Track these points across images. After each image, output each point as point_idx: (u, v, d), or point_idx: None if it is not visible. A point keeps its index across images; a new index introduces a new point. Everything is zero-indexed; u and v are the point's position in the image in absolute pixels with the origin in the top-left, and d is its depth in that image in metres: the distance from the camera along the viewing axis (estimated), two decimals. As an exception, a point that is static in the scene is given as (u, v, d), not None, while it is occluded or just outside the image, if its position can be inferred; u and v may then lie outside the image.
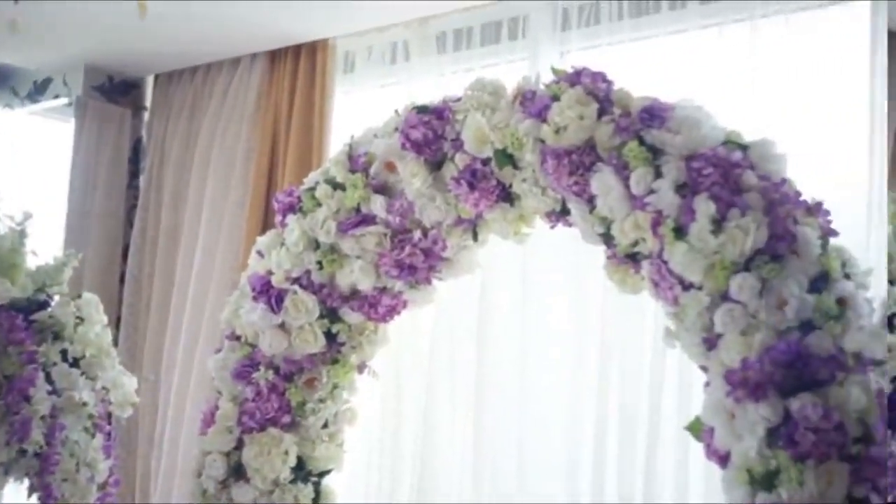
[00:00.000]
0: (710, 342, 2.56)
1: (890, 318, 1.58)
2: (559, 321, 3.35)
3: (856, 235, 2.91)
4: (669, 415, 3.04)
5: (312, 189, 3.34)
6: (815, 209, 2.61)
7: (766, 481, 2.40)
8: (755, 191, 2.56)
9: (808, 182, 2.67)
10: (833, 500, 2.34)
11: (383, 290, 3.33)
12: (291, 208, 3.37)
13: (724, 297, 2.52)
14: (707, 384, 2.62)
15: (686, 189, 2.59)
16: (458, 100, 3.13)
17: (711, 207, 2.50)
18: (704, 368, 2.63)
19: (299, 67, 4.84)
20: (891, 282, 1.56)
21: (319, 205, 3.29)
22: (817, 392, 2.40)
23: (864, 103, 3.29)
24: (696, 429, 2.65)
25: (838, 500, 2.34)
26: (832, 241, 2.60)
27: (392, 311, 3.38)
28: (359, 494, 3.79)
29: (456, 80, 3.79)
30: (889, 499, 1.46)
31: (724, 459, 2.55)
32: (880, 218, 3.24)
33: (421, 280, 3.31)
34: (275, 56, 5.03)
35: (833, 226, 2.61)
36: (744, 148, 2.67)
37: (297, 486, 3.38)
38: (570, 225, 2.96)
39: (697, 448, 2.69)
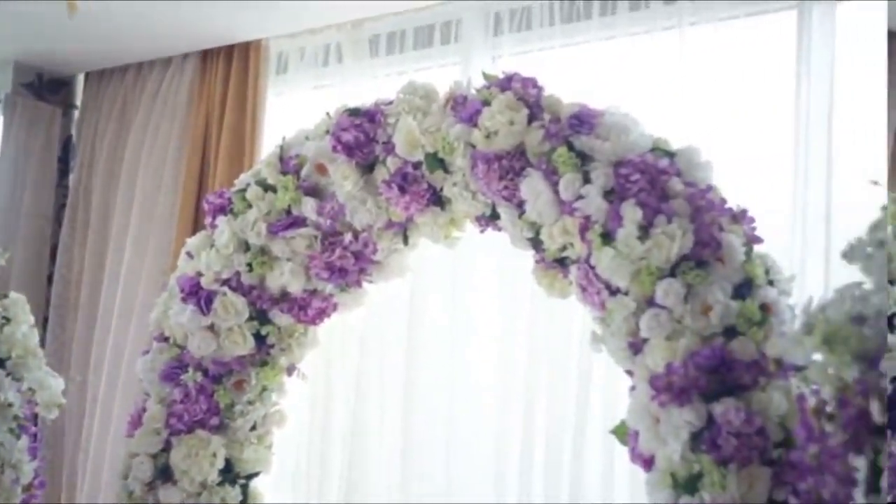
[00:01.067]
0: (636, 347, 2.60)
1: (890, 318, 1.60)
2: (488, 325, 3.37)
3: (782, 241, 2.95)
4: (596, 419, 3.07)
5: (243, 190, 3.33)
6: (740, 216, 2.66)
7: (689, 485, 2.44)
8: (681, 197, 2.60)
9: (735, 188, 2.71)
10: (754, 503, 2.38)
11: (313, 292, 3.33)
12: (222, 209, 3.36)
13: (650, 302, 2.55)
14: (632, 388, 2.65)
15: (614, 195, 2.62)
16: (390, 103, 3.14)
17: (638, 213, 2.54)
18: (630, 373, 2.67)
19: (231, 68, 4.82)
20: (891, 282, 1.58)
21: (250, 206, 3.28)
22: (740, 397, 2.45)
23: (790, 111, 3.34)
24: (622, 432, 2.68)
25: (759, 503, 2.39)
26: (756, 247, 2.65)
27: (322, 314, 3.38)
28: (287, 497, 3.79)
29: (389, 83, 3.80)
30: (889, 499, 1.48)
31: (648, 463, 2.58)
32: (803, 223, 3.29)
33: (351, 283, 3.32)
34: (207, 56, 5.00)
35: (759, 232, 2.66)
36: (671, 155, 2.71)
37: (224, 489, 3.37)
38: (499, 229, 2.98)
39: (623, 451, 2.72)
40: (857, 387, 1.55)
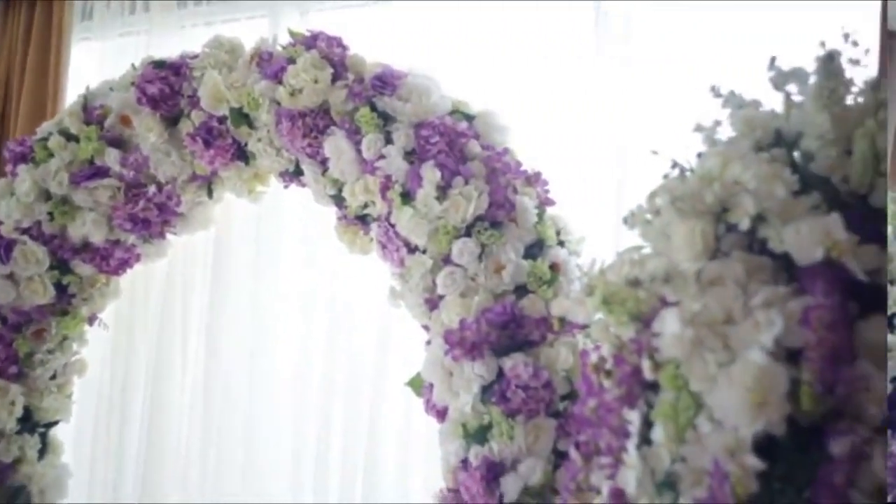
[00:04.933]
0: (432, 303, 2.68)
1: (890, 318, 1.66)
2: (291, 278, 3.39)
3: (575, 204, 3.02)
4: (394, 371, 3.13)
5: (45, 139, 3.29)
6: (534, 179, 2.76)
7: (479, 435, 2.54)
8: (479, 160, 2.69)
9: (532, 152, 2.80)
10: (540, 453, 2.50)
11: (116, 243, 3.32)
12: (23, 158, 3.32)
13: (446, 260, 2.64)
14: (428, 342, 2.74)
15: (414, 156, 2.69)
16: (196, 57, 3.13)
17: (437, 174, 2.61)
18: (426, 327, 2.75)
19: (35, 13, 4.68)
20: (891, 282, 1.63)
21: (52, 155, 3.25)
22: (529, 352, 2.56)
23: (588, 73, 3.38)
24: (417, 385, 2.77)
25: (545, 453, 2.51)
26: (549, 209, 2.75)
27: (124, 264, 3.38)
28: (86, 446, 3.76)
29: (196, 34, 3.76)
30: (889, 499, 1.54)
31: (441, 414, 2.68)
32: (598, 187, 3.38)
33: (154, 234, 3.32)
34: (9, 0, 4.87)
35: (553, 195, 2.77)
36: (470, 118, 2.79)
37: (23, 437, 3.35)
38: (303, 185, 3.01)
39: (419, 403, 2.80)
40: (632, 345, 1.63)
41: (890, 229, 1.73)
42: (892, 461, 1.58)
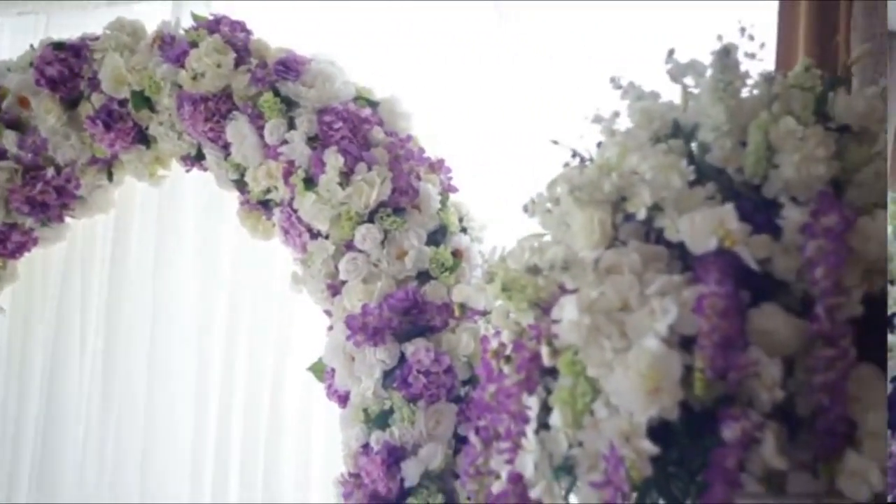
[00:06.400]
0: (335, 288, 2.69)
1: (890, 318, 1.66)
2: (191, 263, 3.36)
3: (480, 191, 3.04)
4: (295, 357, 3.12)
5: (-61, 120, 3.23)
6: (438, 166, 2.78)
7: (380, 420, 2.57)
8: (382, 146, 2.70)
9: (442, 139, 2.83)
10: (441, 437, 2.53)
11: (13, 226, 3.27)
12: (-84, 138, 3.25)
13: (349, 246, 2.65)
14: (330, 328, 2.74)
15: (317, 141, 2.70)
16: (97, 39, 3.10)
17: (340, 160, 2.62)
18: (329, 313, 2.75)
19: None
20: (891, 282, 1.62)
21: (-55, 136, 3.19)
22: (431, 338, 2.59)
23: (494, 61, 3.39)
24: (319, 370, 2.78)
25: (446, 438, 2.54)
26: (452, 196, 2.78)
27: (22, 248, 3.33)
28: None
29: (98, 16, 3.70)
30: (889, 499, 1.54)
31: (343, 399, 2.69)
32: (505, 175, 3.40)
33: (53, 218, 3.27)
34: None
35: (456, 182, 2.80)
36: (373, 104, 2.80)
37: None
38: (205, 169, 3.00)
39: (320, 388, 2.81)
40: (532, 332, 1.65)
41: (890, 229, 1.75)
42: (892, 461, 1.60)
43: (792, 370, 1.41)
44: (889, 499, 1.56)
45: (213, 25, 2.89)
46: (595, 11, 3.05)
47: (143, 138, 3.07)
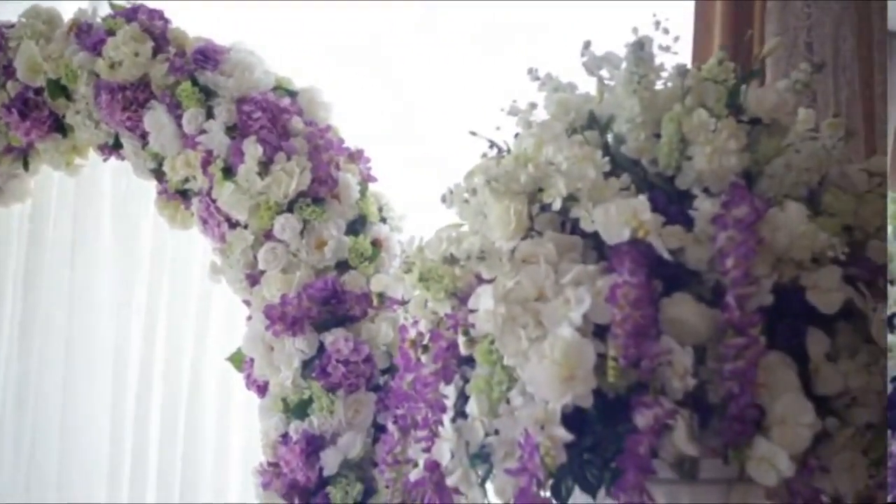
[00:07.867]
0: (254, 278, 2.68)
1: (890, 318, 1.65)
2: (108, 252, 3.33)
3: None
4: (214, 346, 3.12)
5: None
6: (357, 156, 2.79)
7: (299, 409, 2.57)
8: (301, 136, 2.70)
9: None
10: (360, 426, 2.54)
11: (-74, 216, 3.23)
12: None
13: (268, 235, 2.64)
14: (249, 318, 2.74)
15: (236, 131, 2.68)
16: (12, 26, 3.05)
17: (259, 150, 2.61)
18: (248, 303, 2.75)
19: None
20: (891, 282, 1.62)
21: None
22: (350, 327, 2.60)
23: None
24: (238, 360, 2.77)
25: (365, 426, 2.55)
26: (371, 186, 2.79)
27: (-66, 239, 3.29)
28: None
29: (12, 3, 3.64)
30: (889, 499, 1.54)
31: (262, 389, 2.69)
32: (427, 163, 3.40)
33: (-34, 207, 3.23)
34: None
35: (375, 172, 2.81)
36: (293, 94, 2.80)
37: None
38: (122, 159, 2.97)
39: (239, 378, 2.80)
40: (449, 321, 1.67)
41: (890, 229, 1.77)
42: (892, 461, 1.61)
43: (703, 358, 1.44)
44: (889, 499, 1.59)
45: (131, 14, 2.86)
46: (514, 3, 3.08)
47: (59, 127, 3.02)
